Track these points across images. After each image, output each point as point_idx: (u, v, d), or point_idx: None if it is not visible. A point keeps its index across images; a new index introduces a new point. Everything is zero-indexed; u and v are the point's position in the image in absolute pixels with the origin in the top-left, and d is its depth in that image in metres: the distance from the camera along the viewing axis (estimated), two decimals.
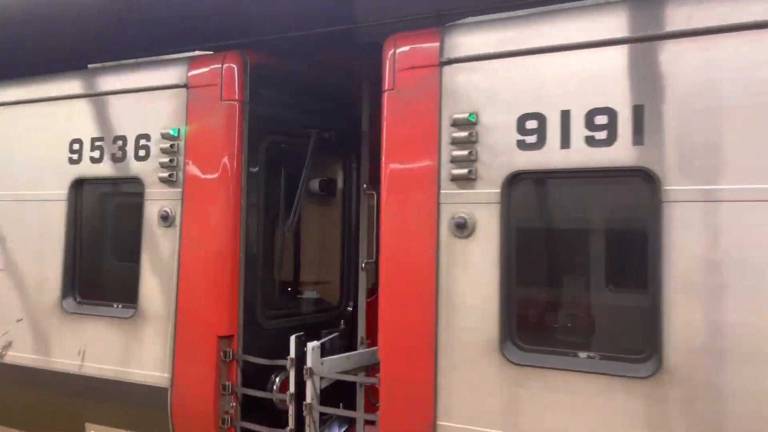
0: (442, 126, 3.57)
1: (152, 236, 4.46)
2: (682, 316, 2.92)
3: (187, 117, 4.40)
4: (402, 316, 3.62)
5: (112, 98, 4.77)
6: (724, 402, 2.84)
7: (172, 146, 4.39)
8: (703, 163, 2.94)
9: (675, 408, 2.93)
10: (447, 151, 3.55)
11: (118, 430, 4.49)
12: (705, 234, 2.92)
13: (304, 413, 3.99)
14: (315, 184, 5.11)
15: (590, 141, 3.19)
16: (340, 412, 4.18)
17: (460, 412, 3.40)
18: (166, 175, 4.40)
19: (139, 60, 4.74)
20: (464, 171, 3.47)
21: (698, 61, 2.99)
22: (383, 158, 3.77)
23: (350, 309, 5.33)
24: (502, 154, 3.39)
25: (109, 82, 4.82)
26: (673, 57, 3.04)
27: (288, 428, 4.07)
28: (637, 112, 3.09)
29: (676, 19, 3.06)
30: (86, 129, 4.83)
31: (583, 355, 3.25)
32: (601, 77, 3.20)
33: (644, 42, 3.13)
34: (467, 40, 3.58)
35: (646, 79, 3.11)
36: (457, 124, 3.52)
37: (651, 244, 3.05)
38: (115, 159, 4.67)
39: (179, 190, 4.37)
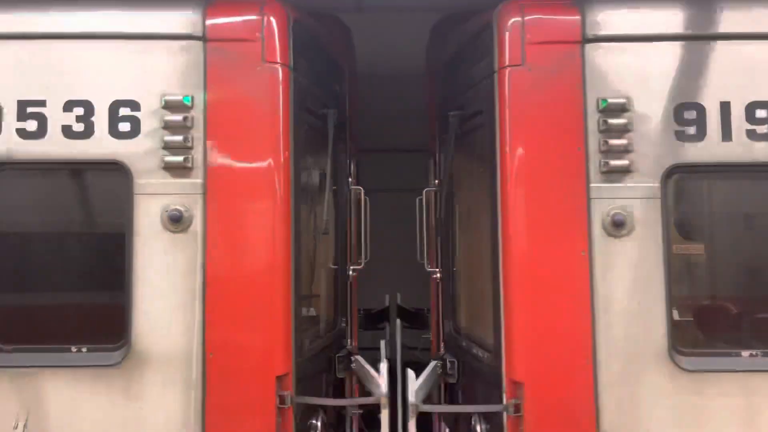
0: (588, 111, 3.15)
1: (150, 245, 3.14)
2: None
3: (205, 81, 3.20)
4: (550, 329, 3.10)
5: (65, 43, 3.24)
6: None
7: (184, 119, 3.14)
8: None
9: None
10: (596, 140, 3.14)
11: None
12: None
13: None
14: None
15: (751, 134, 3.15)
16: None
17: None
18: (177, 159, 3.14)
19: None
20: (621, 162, 3.12)
21: None
22: (503, 146, 3.19)
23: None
24: (660, 145, 3.15)
25: (64, 19, 3.29)
26: None
27: None
28: None
29: None
30: (10, 87, 3.21)
31: (746, 353, 3.17)
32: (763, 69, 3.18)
33: None
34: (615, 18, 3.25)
35: None
36: (610, 109, 3.14)
37: None
38: (69, 134, 3.18)
39: (199, 181, 3.15)
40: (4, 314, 3.18)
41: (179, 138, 3.15)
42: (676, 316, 3.15)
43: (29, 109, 3.11)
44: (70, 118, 3.13)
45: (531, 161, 3.19)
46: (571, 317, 3.07)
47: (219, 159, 3.18)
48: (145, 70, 3.23)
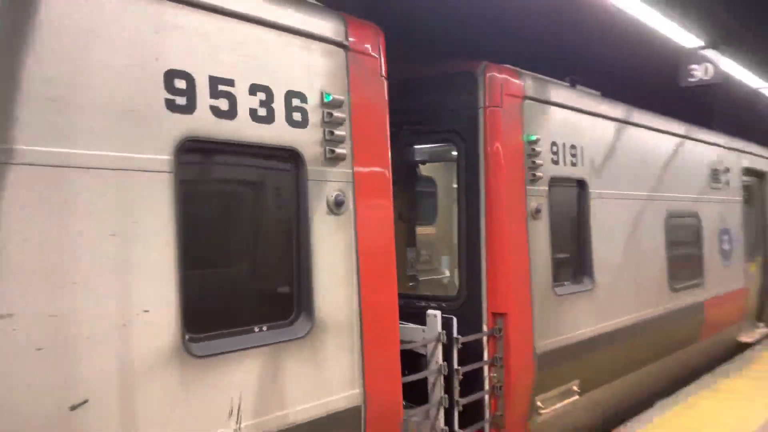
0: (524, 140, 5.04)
1: (320, 227, 3.42)
2: None
3: (349, 84, 3.62)
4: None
5: (246, 25, 3.14)
6: None
7: (334, 116, 3.50)
8: None
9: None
10: (529, 161, 5.10)
11: None
12: None
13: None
14: None
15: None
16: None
17: None
18: (339, 150, 3.49)
19: None
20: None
21: None
22: (487, 153, 4.90)
23: None
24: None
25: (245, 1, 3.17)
26: None
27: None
28: None
29: None
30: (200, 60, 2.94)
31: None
32: None
33: None
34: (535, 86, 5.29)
35: None
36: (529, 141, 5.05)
37: None
38: (255, 117, 3.15)
39: (349, 171, 3.60)
40: (194, 303, 2.85)
41: (341, 132, 3.48)
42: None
43: (220, 87, 2.96)
44: (254, 102, 3.11)
45: (506, 163, 4.88)
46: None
47: (359, 152, 3.64)
48: (309, 67, 3.40)
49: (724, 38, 5.77)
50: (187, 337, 2.76)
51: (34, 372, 2.25)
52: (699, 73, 5.88)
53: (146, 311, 2.59)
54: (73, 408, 2.34)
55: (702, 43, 5.59)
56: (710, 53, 5.62)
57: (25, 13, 2.29)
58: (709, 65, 5.67)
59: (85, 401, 2.37)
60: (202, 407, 2.80)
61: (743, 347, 9.38)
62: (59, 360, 2.32)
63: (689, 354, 7.76)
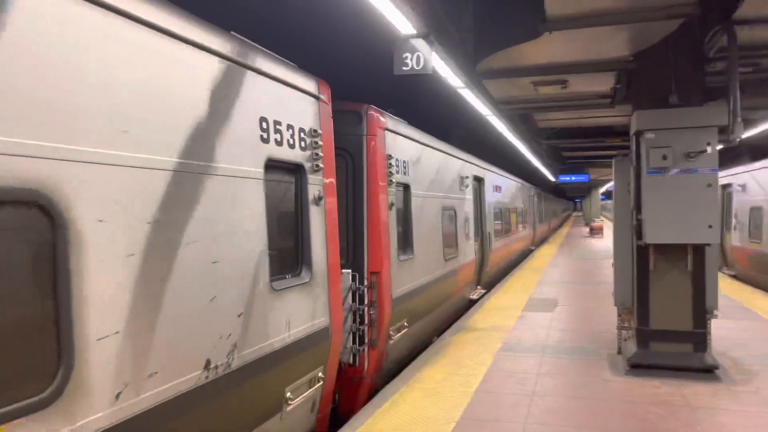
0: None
1: (311, 213, 5.34)
2: None
3: (320, 123, 5.46)
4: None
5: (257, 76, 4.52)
6: None
7: (317, 143, 5.38)
8: None
9: None
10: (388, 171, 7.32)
11: (304, 378, 5.05)
12: None
13: None
14: None
15: None
16: None
17: None
18: (319, 165, 5.40)
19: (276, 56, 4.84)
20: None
21: None
22: (368, 166, 6.89)
23: None
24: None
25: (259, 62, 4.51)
26: None
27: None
28: None
29: None
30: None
31: None
32: None
33: None
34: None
35: None
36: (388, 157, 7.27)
37: None
38: (287, 144, 4.94)
39: (322, 178, 5.48)
40: (270, 261, 4.55)
41: (319, 153, 5.36)
42: None
43: (277, 126, 4.75)
44: (287, 135, 4.87)
45: (377, 171, 6.90)
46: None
47: (325, 165, 5.54)
48: (305, 111, 5.17)
49: (435, 29, 5.85)
50: (270, 279, 4.51)
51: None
52: (411, 62, 5.65)
53: (259, 264, 4.36)
54: (240, 315, 4.08)
55: (415, 32, 5.61)
56: (422, 43, 5.78)
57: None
58: (420, 54, 5.63)
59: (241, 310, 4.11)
60: (276, 319, 4.55)
61: (471, 303, 12.60)
62: (228, 286, 3.97)
63: (451, 303, 10.89)
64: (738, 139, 6.20)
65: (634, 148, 6.80)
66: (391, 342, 7.31)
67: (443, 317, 10.33)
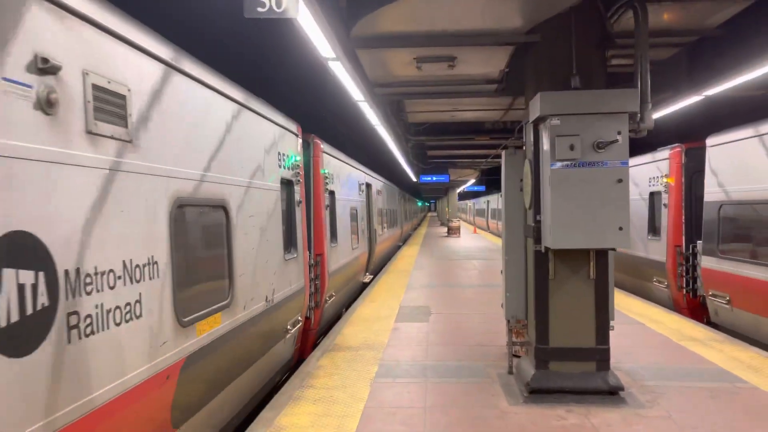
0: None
1: (296, 211, 8.29)
2: None
3: (300, 152, 8.61)
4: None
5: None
6: None
7: (300, 166, 8.59)
8: None
9: None
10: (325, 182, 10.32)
11: (293, 319, 8.04)
12: None
13: None
14: None
15: None
16: None
17: None
18: (300, 180, 8.52)
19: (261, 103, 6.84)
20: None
21: None
22: (314, 178, 9.81)
23: None
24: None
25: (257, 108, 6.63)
26: None
27: None
28: None
29: None
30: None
31: None
32: None
33: None
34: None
35: None
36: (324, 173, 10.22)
37: None
38: (285, 167, 7.78)
39: (299, 189, 8.47)
40: (284, 241, 7.67)
41: (300, 173, 8.51)
42: None
43: (282, 155, 7.74)
44: (284, 160, 7.72)
45: (319, 182, 9.86)
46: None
47: (302, 180, 8.75)
48: (293, 144, 8.14)
49: None
50: (283, 253, 7.27)
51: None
52: (270, 2, 4.61)
53: (279, 243, 7.12)
54: (274, 273, 6.94)
55: None
56: None
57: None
58: None
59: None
60: (285, 279, 7.30)
61: (364, 285, 16.00)
62: (270, 255, 6.77)
63: (354, 282, 13.88)
64: (648, 129, 5.48)
65: (531, 138, 5.87)
66: (326, 306, 10.05)
67: (348, 294, 13.28)
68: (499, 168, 32.78)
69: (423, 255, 22.39)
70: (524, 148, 6.36)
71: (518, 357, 6.89)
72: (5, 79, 2.57)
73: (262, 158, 6.48)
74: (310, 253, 9.21)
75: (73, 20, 3.08)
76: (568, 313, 5.77)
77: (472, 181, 34.73)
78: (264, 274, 6.41)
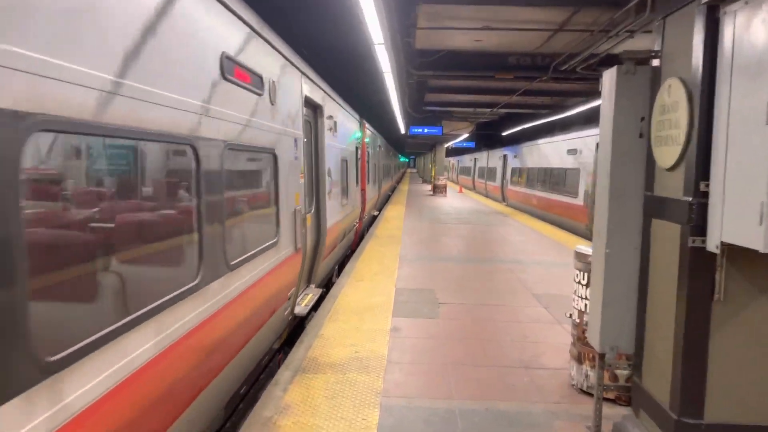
0: None
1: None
2: None
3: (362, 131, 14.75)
4: None
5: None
6: None
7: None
8: None
9: None
10: None
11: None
12: None
13: None
14: None
15: None
16: None
17: None
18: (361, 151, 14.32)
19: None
20: None
21: None
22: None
23: None
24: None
25: None
26: None
27: None
28: None
29: None
30: None
31: None
32: None
33: None
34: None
35: None
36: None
37: None
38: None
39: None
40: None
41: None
42: None
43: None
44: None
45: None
46: None
47: None
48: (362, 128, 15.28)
49: None
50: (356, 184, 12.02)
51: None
52: None
53: (355, 178, 13.08)
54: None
55: None
56: None
57: None
58: None
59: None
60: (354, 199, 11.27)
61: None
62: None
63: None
64: None
65: (698, 40, 3.14)
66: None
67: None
68: (495, 123, 30.03)
69: (411, 217, 19.76)
70: (660, 61, 3.63)
71: (609, 401, 4.34)
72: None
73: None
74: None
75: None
76: (747, 364, 3.17)
77: (465, 135, 31.96)
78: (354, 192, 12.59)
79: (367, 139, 16.64)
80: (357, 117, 13.75)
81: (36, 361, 2.05)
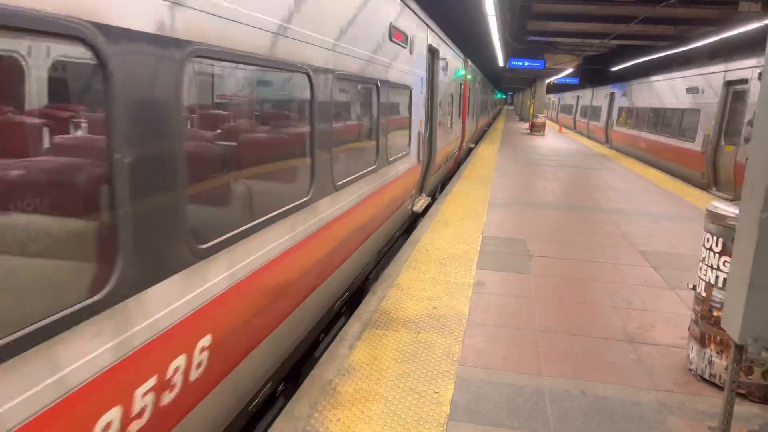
0: None
1: None
2: None
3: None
4: None
5: None
6: None
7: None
8: None
9: None
10: None
11: None
12: None
13: None
14: None
15: None
16: None
17: None
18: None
19: None
20: None
21: None
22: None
23: None
24: None
25: None
26: None
27: None
28: None
29: None
30: None
31: None
32: None
33: None
34: None
35: None
36: None
37: None
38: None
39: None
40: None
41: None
42: None
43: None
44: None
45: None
46: None
47: None
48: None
49: None
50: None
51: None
52: None
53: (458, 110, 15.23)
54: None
55: None
56: None
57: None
58: None
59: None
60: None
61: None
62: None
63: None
64: None
65: None
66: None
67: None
68: (603, 57, 27.38)
69: (504, 157, 18.61)
70: None
71: (738, 395, 3.51)
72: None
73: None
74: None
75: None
76: None
77: (569, 71, 29.63)
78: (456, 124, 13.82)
79: (469, 77, 17.87)
80: (462, 57, 15.48)
81: (192, 248, 2.51)
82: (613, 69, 27.27)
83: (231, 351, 2.93)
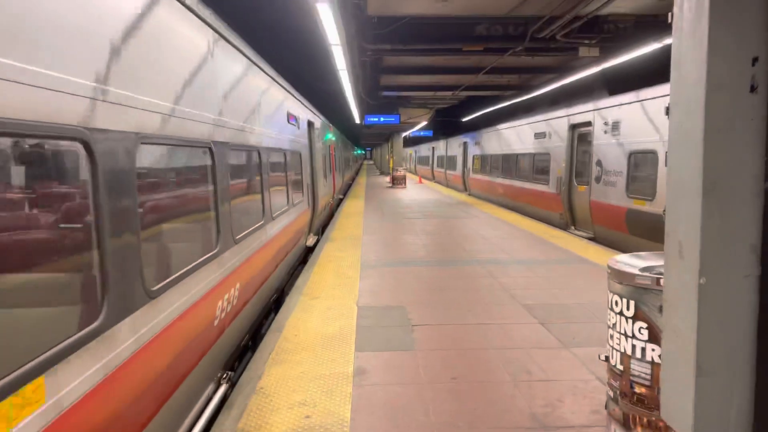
0: None
1: None
2: None
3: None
4: None
5: None
6: None
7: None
8: None
9: None
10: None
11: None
12: None
13: None
14: None
15: None
16: None
17: None
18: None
19: None
20: None
21: None
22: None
23: None
24: None
25: None
26: None
27: None
28: None
29: None
30: None
31: None
32: None
33: None
34: None
35: None
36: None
37: None
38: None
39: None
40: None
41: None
42: None
43: None
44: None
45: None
46: None
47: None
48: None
49: None
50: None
51: None
52: None
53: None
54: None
55: None
56: None
57: None
58: None
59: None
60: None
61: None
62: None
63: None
64: None
65: None
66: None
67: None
68: (454, 109, 28.59)
69: (371, 212, 18.18)
70: None
71: None
72: None
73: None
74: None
75: None
76: None
77: (423, 123, 30.50)
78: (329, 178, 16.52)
79: (333, 138, 20.57)
80: (327, 122, 18.08)
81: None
82: (464, 119, 28.49)
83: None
